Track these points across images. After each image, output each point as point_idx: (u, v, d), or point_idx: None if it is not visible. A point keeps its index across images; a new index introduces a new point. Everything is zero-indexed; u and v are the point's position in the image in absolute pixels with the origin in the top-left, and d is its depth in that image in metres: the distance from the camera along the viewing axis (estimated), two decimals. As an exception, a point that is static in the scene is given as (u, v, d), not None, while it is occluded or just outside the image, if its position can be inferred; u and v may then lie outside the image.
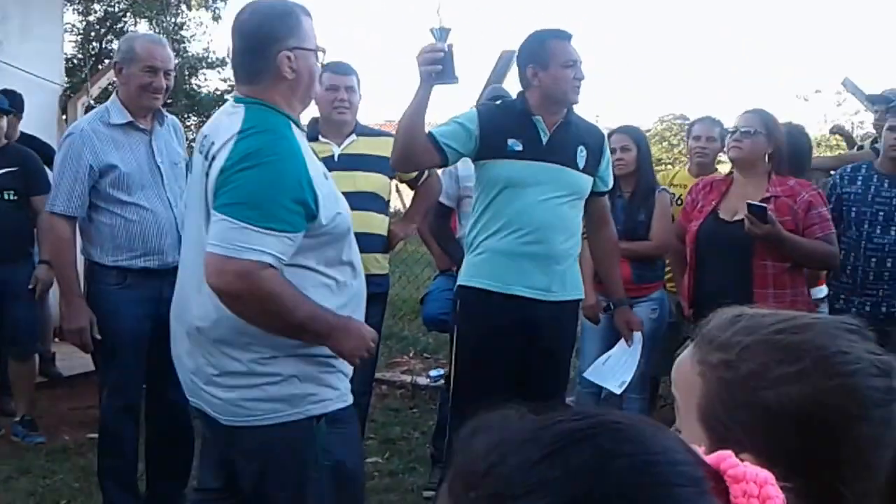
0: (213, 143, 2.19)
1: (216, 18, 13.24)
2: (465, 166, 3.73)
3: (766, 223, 3.22)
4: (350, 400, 2.38)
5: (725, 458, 0.69)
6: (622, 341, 3.57)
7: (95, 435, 3.65)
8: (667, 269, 4.45)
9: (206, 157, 2.20)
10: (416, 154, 3.07)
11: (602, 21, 49.92)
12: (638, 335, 3.55)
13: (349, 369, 2.35)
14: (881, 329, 3.74)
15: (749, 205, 3.26)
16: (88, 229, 3.33)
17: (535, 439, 0.64)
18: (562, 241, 3.20)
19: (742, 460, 0.85)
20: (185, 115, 13.08)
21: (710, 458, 0.69)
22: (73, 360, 4.90)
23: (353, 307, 2.35)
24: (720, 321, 0.99)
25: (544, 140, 3.19)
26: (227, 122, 2.22)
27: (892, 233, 3.77)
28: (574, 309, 3.39)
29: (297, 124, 2.29)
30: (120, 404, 3.33)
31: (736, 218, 3.38)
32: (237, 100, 2.27)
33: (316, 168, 2.22)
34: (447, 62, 2.84)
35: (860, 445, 0.91)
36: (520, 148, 3.15)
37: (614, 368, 3.55)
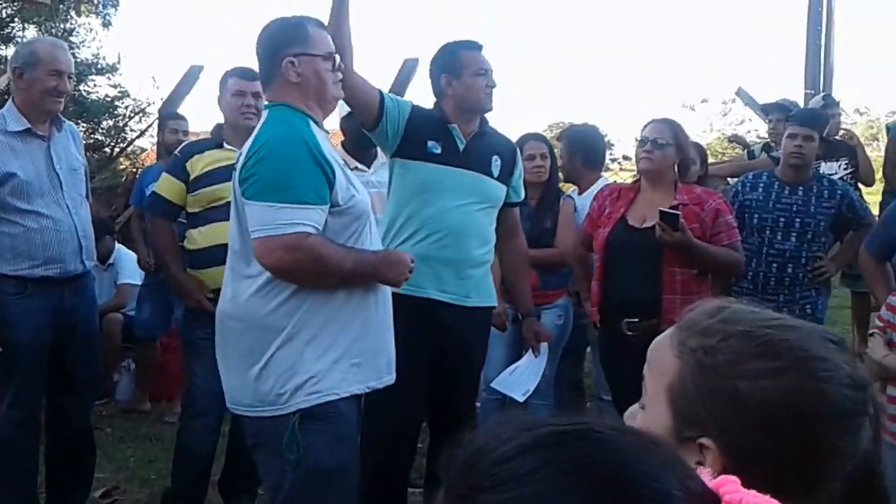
0: (241, 154, 2.45)
1: (106, 24, 12.84)
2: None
3: (677, 230, 3.25)
4: (348, 393, 2.42)
5: (726, 484, 0.68)
6: (529, 352, 3.59)
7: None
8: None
9: (235, 168, 2.44)
10: (347, 65, 2.92)
11: (494, 26, 50.61)
12: (545, 346, 3.58)
13: (357, 359, 2.42)
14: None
15: (661, 212, 3.28)
16: None
17: (515, 438, 0.66)
18: (476, 248, 3.21)
19: (701, 445, 0.93)
20: (74, 122, 12.64)
21: (713, 483, 0.69)
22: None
23: (370, 303, 2.47)
24: (705, 308, 1.01)
25: (461, 147, 3.21)
26: (254, 132, 2.49)
27: (793, 238, 3.87)
28: (487, 316, 3.39)
29: (318, 123, 2.50)
30: (19, 416, 3.27)
31: (645, 225, 3.40)
32: (265, 106, 2.57)
33: (332, 155, 2.43)
34: None
35: (822, 450, 0.93)
36: (438, 151, 3.15)
37: (519, 378, 3.57)
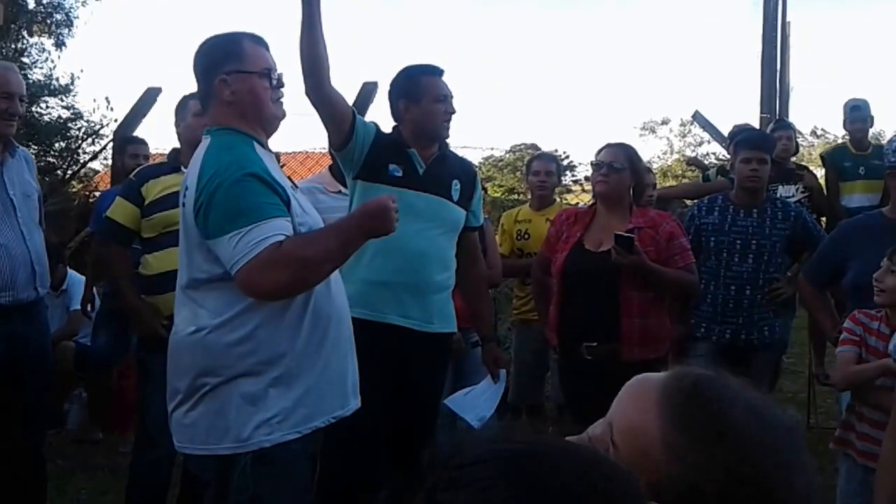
0: (186, 188, 2.32)
1: (59, 45, 12.67)
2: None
3: (633, 253, 3.27)
4: (310, 429, 2.30)
5: None
6: (488, 377, 3.55)
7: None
8: (525, 298, 4.55)
9: (183, 205, 2.32)
10: (323, 79, 2.91)
11: (454, 47, 50.96)
12: (503, 373, 3.56)
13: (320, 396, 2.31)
14: (742, 357, 3.88)
15: (616, 236, 3.30)
16: None
17: (481, 447, 0.74)
18: (438, 273, 3.19)
19: None
20: (26, 143, 12.40)
21: None
22: None
23: (327, 331, 2.34)
24: (704, 406, 0.98)
25: (421, 171, 3.20)
26: (195, 157, 2.35)
27: (750, 260, 3.90)
28: (448, 343, 3.36)
29: (262, 143, 2.38)
30: None
31: (601, 249, 3.42)
32: (206, 131, 2.41)
33: (281, 177, 2.33)
34: None
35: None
36: (399, 174, 3.14)
37: (475, 402, 3.53)
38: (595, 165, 3.56)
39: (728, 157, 5.90)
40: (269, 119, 2.41)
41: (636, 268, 3.31)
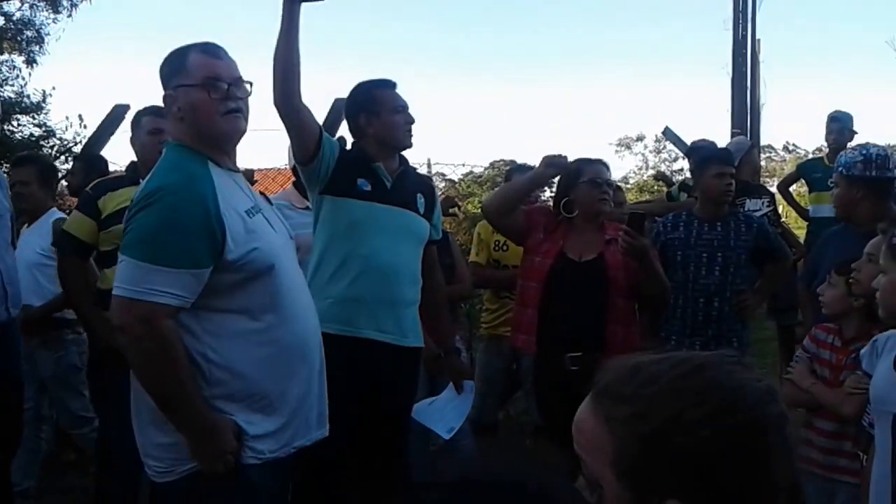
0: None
1: (31, 62, 12.60)
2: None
3: (643, 234, 3.37)
4: (273, 457, 2.22)
5: None
6: (451, 387, 3.57)
7: None
8: (497, 312, 4.56)
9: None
10: (294, 89, 2.90)
11: (435, 63, 51.17)
12: (470, 384, 3.54)
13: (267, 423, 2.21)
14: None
15: (630, 214, 3.38)
16: None
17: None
18: (409, 287, 3.22)
19: None
20: (-2, 162, 12.30)
21: None
22: None
23: (285, 360, 2.23)
24: (617, 375, 1.02)
25: (388, 185, 3.21)
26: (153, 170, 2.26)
27: (717, 273, 3.94)
28: (419, 357, 3.37)
29: (216, 160, 2.24)
30: None
31: (585, 259, 3.49)
32: (166, 144, 2.31)
33: (230, 203, 2.17)
34: None
35: (771, 468, 0.98)
36: (368, 188, 3.15)
37: (442, 413, 3.53)
38: (591, 183, 3.55)
39: None
40: (217, 135, 2.25)
41: (643, 252, 3.36)
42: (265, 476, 2.23)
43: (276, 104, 2.94)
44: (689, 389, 0.97)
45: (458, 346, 3.83)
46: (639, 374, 1.00)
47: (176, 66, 2.25)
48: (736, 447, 0.96)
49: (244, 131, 2.32)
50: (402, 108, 3.26)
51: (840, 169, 3.58)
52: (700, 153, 4.60)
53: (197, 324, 2.14)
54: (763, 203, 5.45)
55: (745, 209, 5.28)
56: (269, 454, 2.22)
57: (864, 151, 3.59)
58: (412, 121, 3.27)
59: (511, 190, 3.80)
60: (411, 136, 3.29)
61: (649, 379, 0.99)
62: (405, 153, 3.37)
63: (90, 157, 5.46)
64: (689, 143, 7.28)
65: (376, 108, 3.22)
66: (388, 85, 3.29)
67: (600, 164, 3.66)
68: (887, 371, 2.31)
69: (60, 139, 11.08)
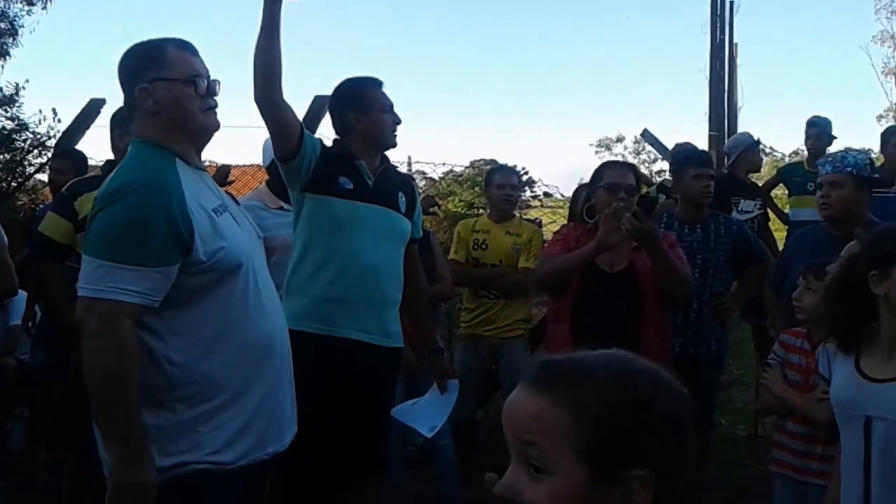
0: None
1: (3, 54, 12.42)
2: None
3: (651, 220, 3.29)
4: (246, 461, 2.16)
5: None
6: (434, 388, 3.54)
7: None
8: (475, 312, 4.54)
9: None
10: (275, 87, 2.86)
11: (413, 63, 51.15)
12: (454, 383, 3.53)
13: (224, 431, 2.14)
14: (691, 370, 3.90)
15: (641, 197, 3.33)
16: None
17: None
18: (391, 286, 3.19)
19: (631, 480, 1.01)
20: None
21: None
22: None
23: (249, 359, 2.17)
24: (564, 364, 1.09)
25: (370, 183, 3.19)
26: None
27: (697, 275, 3.95)
28: (399, 357, 3.34)
29: (184, 158, 2.19)
30: None
31: (616, 269, 3.40)
32: (131, 142, 2.24)
33: (198, 201, 2.13)
34: None
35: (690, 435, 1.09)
36: (350, 186, 3.12)
37: (424, 412, 3.52)
38: (613, 188, 3.42)
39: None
40: (196, 130, 2.24)
41: (650, 235, 3.25)
42: (234, 484, 2.17)
43: (257, 101, 2.90)
44: (638, 369, 1.08)
45: (440, 346, 3.80)
46: (582, 363, 1.08)
47: (150, 60, 2.19)
48: (682, 417, 1.07)
49: (219, 128, 2.32)
50: (389, 107, 3.24)
51: (849, 170, 3.53)
52: (679, 155, 4.61)
53: (162, 324, 2.09)
54: (755, 205, 5.47)
55: (739, 209, 5.30)
56: (231, 465, 2.15)
57: (870, 155, 3.63)
58: (399, 121, 3.26)
59: (568, 266, 3.40)
60: (396, 135, 3.28)
61: (596, 365, 1.07)
62: (406, 149, 3.38)
63: (75, 155, 5.38)
64: (666, 145, 7.33)
65: (366, 105, 3.20)
66: (377, 83, 3.28)
67: (622, 167, 3.56)
68: (851, 374, 2.28)
69: (34, 133, 10.93)
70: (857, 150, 3.73)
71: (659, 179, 8.98)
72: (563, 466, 1.02)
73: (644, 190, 4.53)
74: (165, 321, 2.09)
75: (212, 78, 2.27)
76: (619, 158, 32.25)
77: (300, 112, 5.80)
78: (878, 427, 2.18)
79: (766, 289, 3.92)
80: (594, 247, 3.29)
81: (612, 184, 3.43)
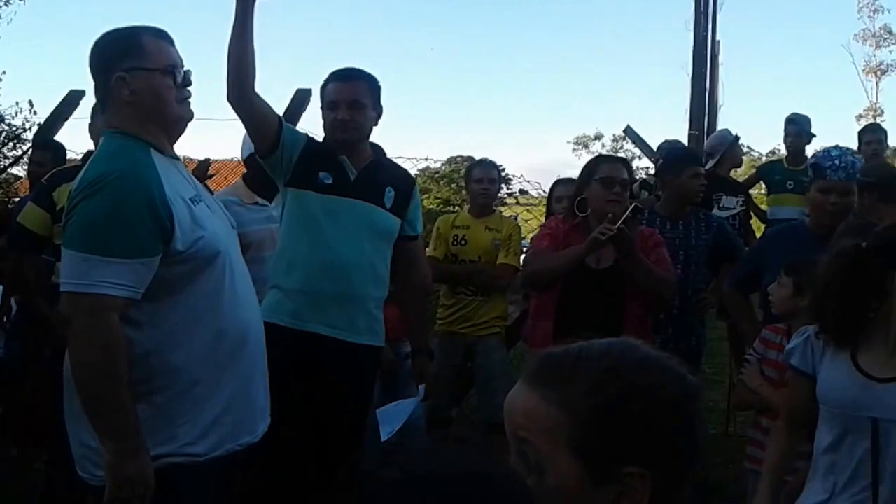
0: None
1: (-20, 45, 12.31)
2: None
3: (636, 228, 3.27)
4: (221, 453, 2.15)
5: None
6: (421, 389, 3.51)
7: None
8: (452, 308, 4.54)
9: None
10: (248, 84, 2.84)
11: (393, 59, 51.07)
12: (422, 388, 3.51)
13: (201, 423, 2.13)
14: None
15: (634, 207, 3.25)
16: None
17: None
18: (366, 283, 3.14)
19: (627, 475, 0.99)
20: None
21: None
22: None
23: (223, 349, 2.15)
24: (557, 359, 1.07)
25: (352, 178, 3.15)
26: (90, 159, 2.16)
27: (678, 270, 3.94)
28: (375, 356, 3.29)
29: (158, 148, 2.17)
30: None
31: (602, 266, 3.39)
32: (103, 132, 2.20)
33: (176, 190, 2.11)
34: None
35: (699, 431, 1.07)
36: (330, 181, 3.10)
37: (395, 413, 3.50)
38: (608, 182, 3.39)
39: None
40: (173, 121, 2.23)
41: (629, 244, 3.23)
42: (207, 476, 2.16)
43: (230, 99, 2.89)
44: (637, 360, 1.05)
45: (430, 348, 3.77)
46: (578, 356, 1.06)
47: (126, 49, 2.16)
48: (682, 411, 1.05)
49: (192, 118, 2.31)
50: (334, 103, 3.15)
51: (858, 176, 3.48)
52: (673, 153, 4.62)
53: (139, 315, 2.07)
54: (738, 202, 5.48)
55: (721, 205, 5.31)
56: (204, 456, 2.14)
57: (861, 158, 3.64)
58: (344, 118, 3.13)
59: (561, 265, 3.38)
60: (344, 131, 3.14)
61: (592, 357, 1.05)
62: (383, 145, 3.40)
63: (55, 147, 5.30)
64: (648, 142, 7.33)
65: (322, 101, 3.21)
66: (333, 77, 3.22)
67: (617, 163, 3.53)
68: (850, 373, 2.15)
69: (9, 125, 10.82)
70: (850, 150, 3.69)
71: (640, 177, 8.98)
72: (557, 464, 1.01)
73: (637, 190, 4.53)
74: (143, 312, 2.07)
75: (185, 68, 2.25)
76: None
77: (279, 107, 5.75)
78: (890, 430, 2.08)
79: (727, 287, 3.86)
80: (587, 246, 3.27)
81: (607, 177, 3.39)
